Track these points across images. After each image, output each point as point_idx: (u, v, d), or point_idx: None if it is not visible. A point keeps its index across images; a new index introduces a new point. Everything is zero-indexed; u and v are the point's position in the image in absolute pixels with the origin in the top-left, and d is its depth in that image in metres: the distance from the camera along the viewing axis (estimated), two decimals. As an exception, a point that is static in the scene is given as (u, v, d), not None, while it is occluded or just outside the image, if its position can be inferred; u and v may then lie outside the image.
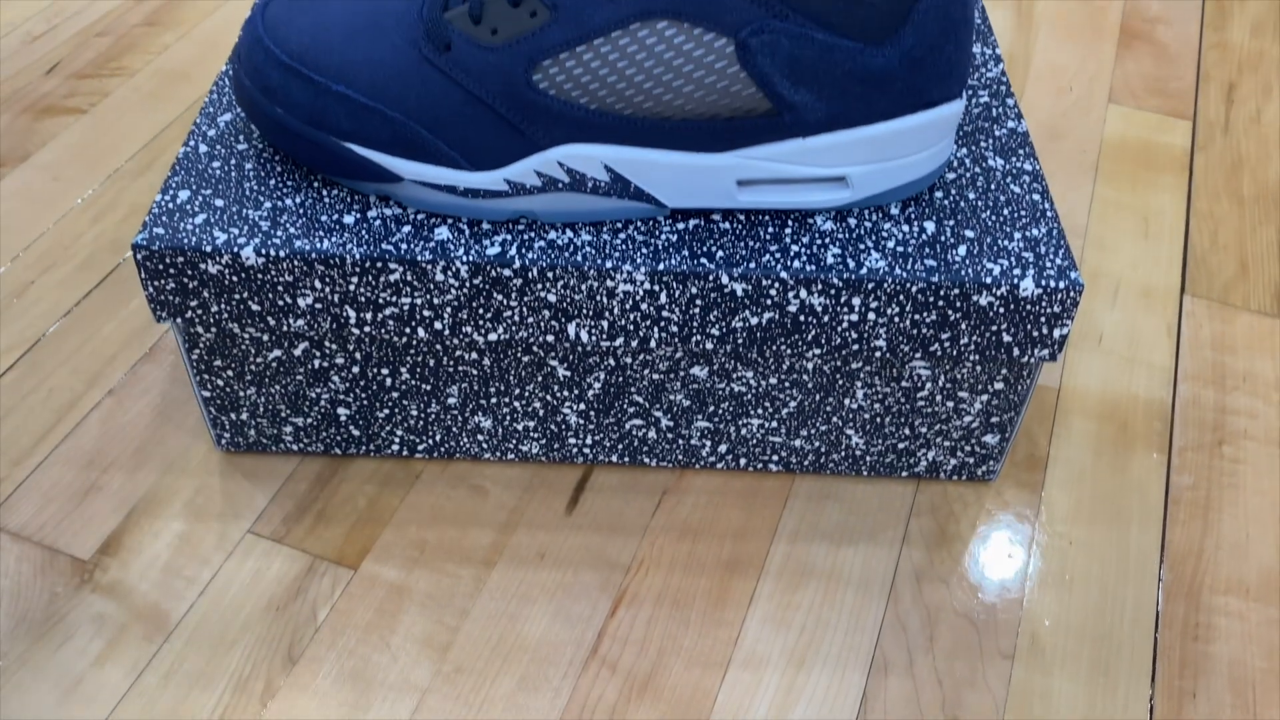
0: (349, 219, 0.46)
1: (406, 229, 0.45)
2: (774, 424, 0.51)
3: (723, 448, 0.53)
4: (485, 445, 0.53)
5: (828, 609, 0.50)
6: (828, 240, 0.46)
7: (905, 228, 0.46)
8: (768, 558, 0.51)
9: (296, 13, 0.46)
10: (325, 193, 0.47)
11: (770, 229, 0.46)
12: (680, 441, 0.53)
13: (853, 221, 0.47)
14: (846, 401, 0.50)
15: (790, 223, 0.47)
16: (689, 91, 0.42)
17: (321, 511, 0.52)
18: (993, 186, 0.49)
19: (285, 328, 0.47)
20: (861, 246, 0.45)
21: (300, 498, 0.53)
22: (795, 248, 0.45)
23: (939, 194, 0.48)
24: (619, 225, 0.46)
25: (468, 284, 0.45)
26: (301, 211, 0.46)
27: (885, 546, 0.52)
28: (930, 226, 0.47)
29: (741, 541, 0.52)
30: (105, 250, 0.64)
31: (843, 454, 0.53)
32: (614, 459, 0.54)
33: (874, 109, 0.43)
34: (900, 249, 0.45)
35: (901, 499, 0.54)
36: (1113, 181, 0.72)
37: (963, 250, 0.46)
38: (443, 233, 0.45)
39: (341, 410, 0.52)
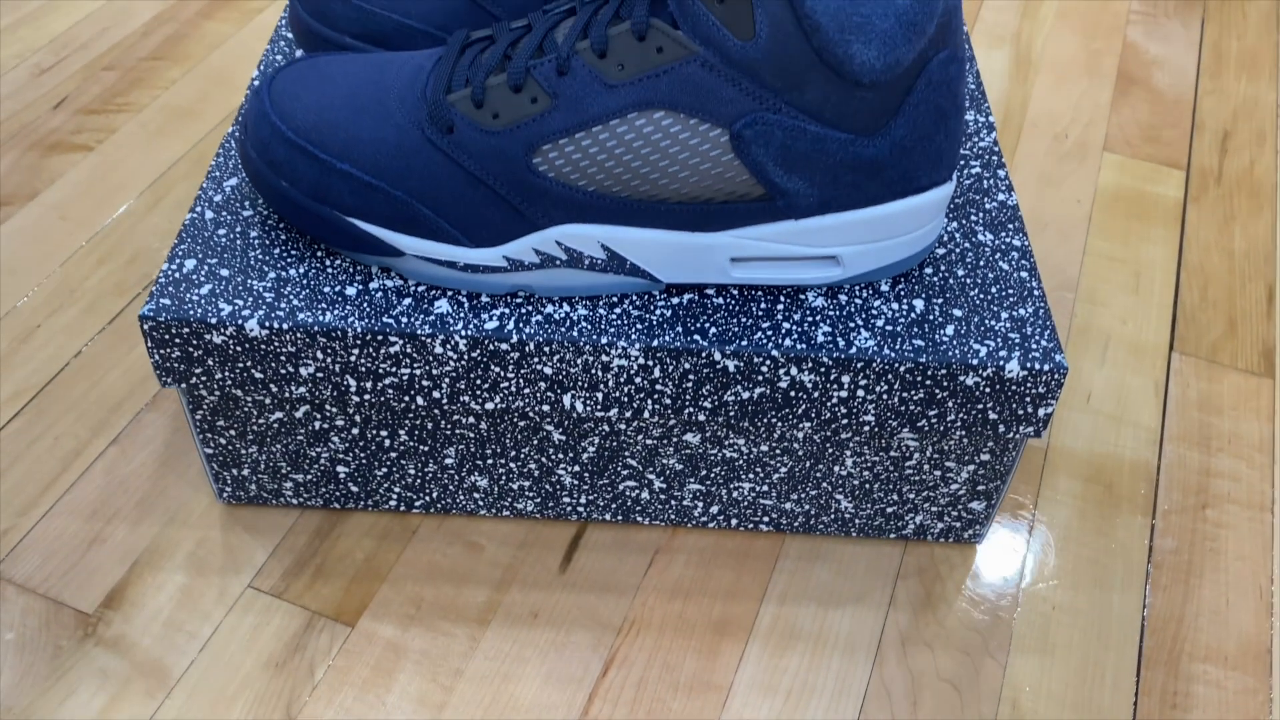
0: (351, 290, 0.47)
1: (407, 301, 0.46)
2: (765, 488, 0.53)
3: (714, 508, 0.54)
4: (481, 503, 0.54)
5: (814, 673, 0.51)
6: (818, 317, 0.47)
7: (895, 305, 0.47)
8: (757, 619, 0.52)
9: (303, 88, 0.47)
10: (328, 262, 0.48)
11: (763, 304, 0.47)
12: (673, 502, 0.54)
13: (843, 298, 0.48)
14: (836, 468, 0.51)
15: (783, 298, 0.47)
16: (684, 176, 0.43)
17: (320, 566, 0.53)
18: (981, 263, 0.50)
19: (287, 394, 0.48)
20: (852, 324, 0.46)
21: (299, 552, 0.54)
22: (787, 325, 0.46)
23: (929, 270, 0.49)
24: (614, 299, 0.47)
25: (466, 357, 0.46)
26: (305, 282, 0.47)
27: (872, 609, 0.53)
28: (919, 304, 0.48)
29: (731, 602, 0.53)
30: (110, 294, 0.65)
31: (832, 516, 0.54)
32: (607, 517, 0.55)
33: (865, 194, 0.44)
34: (889, 327, 0.46)
35: (889, 560, 0.55)
36: (1106, 234, 0.73)
37: (950, 330, 0.47)
38: (442, 306, 0.46)
39: (341, 468, 0.53)
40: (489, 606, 0.52)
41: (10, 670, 0.49)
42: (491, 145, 0.44)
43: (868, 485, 0.52)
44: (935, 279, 0.49)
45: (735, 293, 0.48)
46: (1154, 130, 0.81)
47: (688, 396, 0.47)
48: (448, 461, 0.52)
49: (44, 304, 0.64)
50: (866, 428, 0.48)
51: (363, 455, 0.52)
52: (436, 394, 0.47)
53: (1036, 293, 0.48)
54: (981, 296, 0.48)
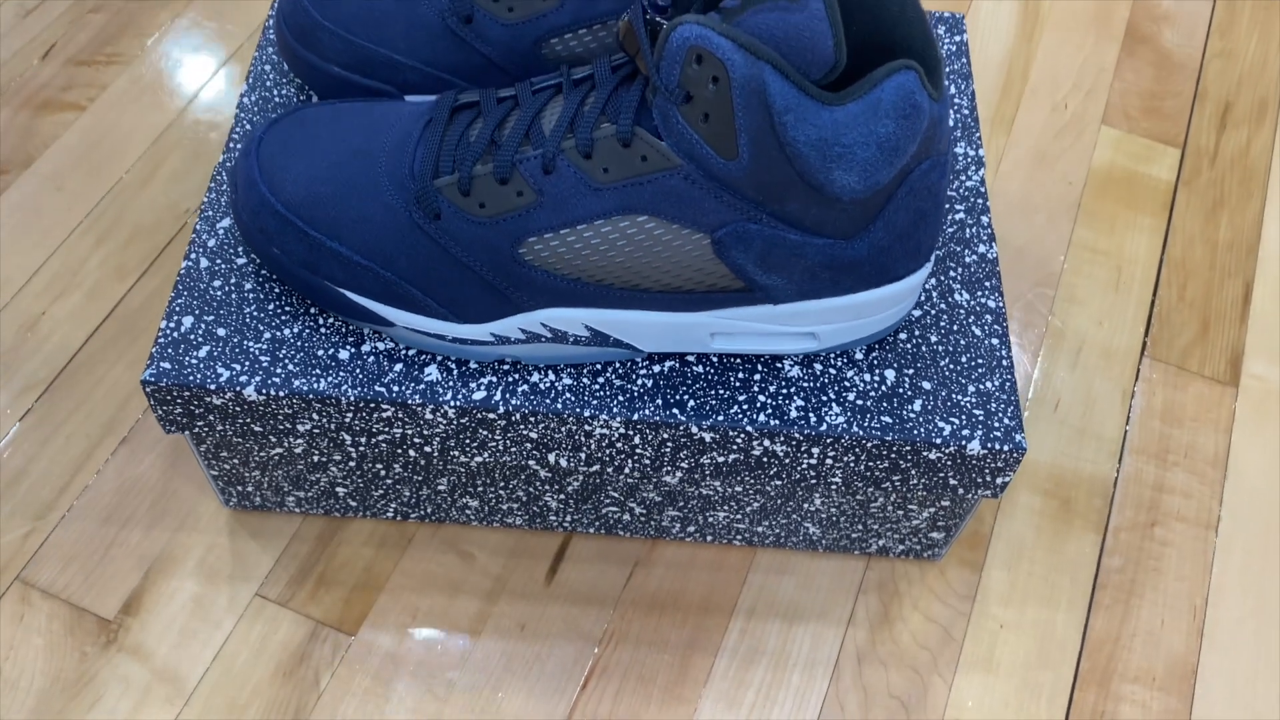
0: (343, 354, 0.48)
1: (398, 367, 0.48)
2: (738, 516, 0.56)
3: (691, 528, 0.57)
4: (473, 517, 0.58)
5: (775, 688, 0.55)
6: (793, 390, 0.49)
7: (867, 376, 0.49)
8: (725, 634, 0.57)
9: (291, 154, 0.47)
10: (321, 321, 0.49)
11: (740, 373, 0.49)
12: (652, 522, 0.57)
13: (819, 367, 0.50)
14: (805, 505, 0.55)
15: (760, 367, 0.49)
16: (666, 270, 0.45)
17: (322, 575, 0.57)
18: (955, 328, 0.51)
19: (286, 442, 0.50)
20: (824, 398, 0.49)
21: (303, 559, 0.58)
22: (763, 397, 0.48)
23: (903, 335, 0.51)
24: (598, 368, 0.49)
25: (455, 422, 0.48)
26: (299, 344, 0.49)
27: (833, 626, 0.57)
28: (891, 375, 0.50)
29: (703, 616, 0.57)
30: (111, 278, 0.66)
31: (800, 538, 0.58)
32: (591, 531, 0.58)
33: (843, 287, 0.46)
34: (860, 402, 0.49)
35: (852, 575, 0.59)
36: (1093, 221, 0.73)
37: (918, 405, 0.49)
38: (432, 373, 0.48)
39: (339, 489, 0.56)
40: (480, 618, 0.56)
41: (42, 675, 0.54)
42: (478, 234, 0.45)
43: (834, 517, 0.55)
44: (909, 345, 0.50)
45: (715, 360, 0.50)
46: (1155, 100, 0.80)
47: (665, 459, 0.50)
48: (440, 487, 0.55)
49: (46, 288, 0.66)
50: (834, 486, 0.51)
51: (360, 480, 0.55)
52: (428, 449, 0.50)
53: (1005, 362, 0.50)
54: (951, 367, 0.50)
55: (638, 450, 0.49)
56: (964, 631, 0.57)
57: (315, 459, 0.53)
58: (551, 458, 0.50)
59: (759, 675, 0.56)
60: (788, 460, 0.49)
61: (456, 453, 0.50)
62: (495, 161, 0.44)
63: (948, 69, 0.60)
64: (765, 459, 0.49)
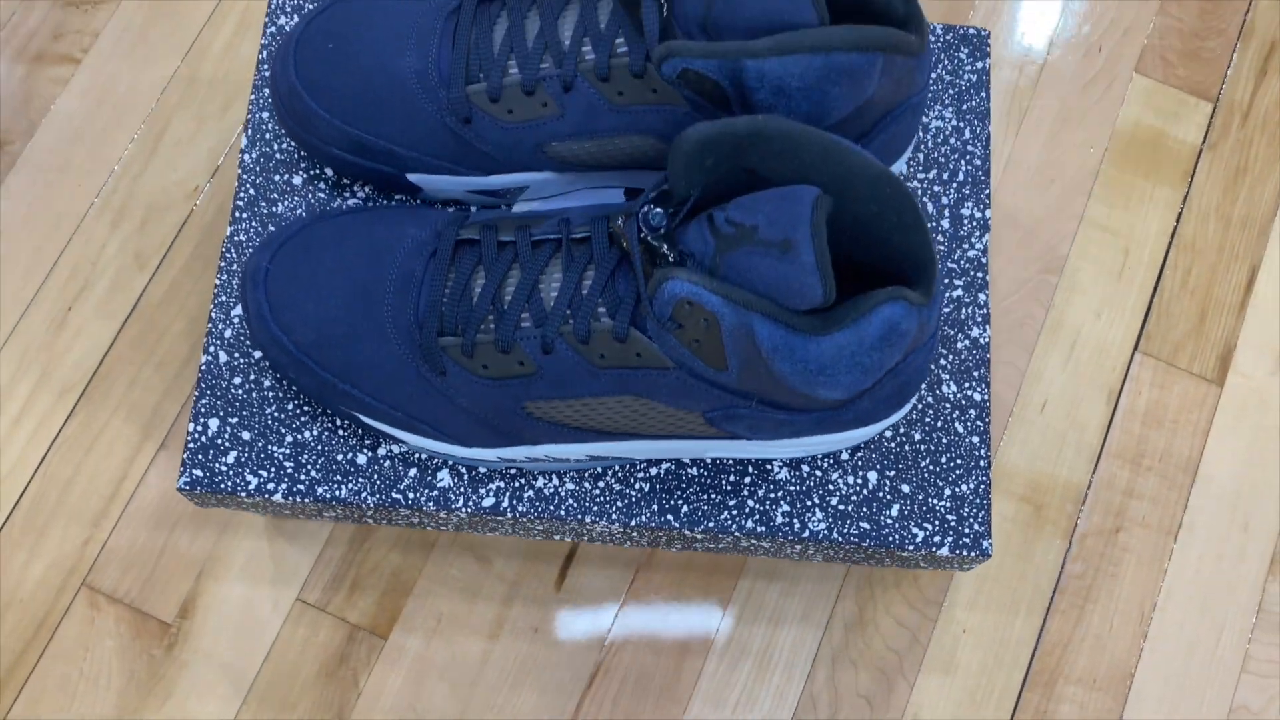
0: (361, 459, 0.52)
1: (413, 472, 0.52)
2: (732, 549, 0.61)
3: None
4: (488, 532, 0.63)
5: (757, 687, 0.63)
6: (780, 495, 0.52)
7: (850, 479, 0.53)
8: (715, 636, 0.64)
9: (299, 287, 0.48)
10: (338, 423, 0.52)
11: (732, 476, 0.53)
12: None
13: (805, 469, 0.53)
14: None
15: (751, 470, 0.53)
16: (664, 426, 0.47)
17: (355, 580, 0.64)
18: (939, 424, 0.54)
19: (315, 520, 0.55)
20: (809, 502, 0.52)
21: (336, 564, 0.64)
22: (751, 502, 0.52)
23: (888, 432, 0.53)
24: (598, 473, 0.52)
25: (466, 522, 0.52)
26: (319, 448, 0.52)
27: (812, 628, 0.64)
28: (873, 477, 0.53)
29: (697, 619, 0.64)
30: (130, 267, 0.68)
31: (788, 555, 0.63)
32: (597, 544, 0.64)
33: (828, 431, 0.48)
34: (842, 506, 0.52)
35: (833, 581, 0.64)
36: (1109, 194, 0.72)
37: (895, 510, 0.52)
38: (444, 478, 0.52)
39: (368, 519, 0.61)
40: (497, 622, 0.63)
41: (119, 675, 0.62)
42: (483, 391, 0.47)
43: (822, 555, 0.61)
44: (892, 445, 0.53)
45: (708, 462, 0.53)
46: (1196, 40, 0.75)
47: (660, 544, 0.54)
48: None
49: (68, 280, 0.68)
50: (816, 560, 0.55)
51: (384, 519, 0.60)
52: (442, 530, 0.54)
53: (984, 462, 0.53)
54: (931, 468, 0.53)
55: (634, 539, 0.54)
56: (930, 635, 0.64)
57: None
58: (556, 538, 0.54)
59: (743, 675, 0.63)
60: (772, 550, 0.54)
61: (469, 530, 0.55)
62: (497, 333, 0.45)
63: (964, 104, 0.58)
64: (751, 548, 0.54)
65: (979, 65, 0.59)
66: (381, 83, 0.50)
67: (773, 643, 0.64)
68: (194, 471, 0.51)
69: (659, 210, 0.41)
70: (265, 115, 0.56)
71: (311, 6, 0.57)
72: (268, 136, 0.56)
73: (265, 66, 0.57)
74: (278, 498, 0.51)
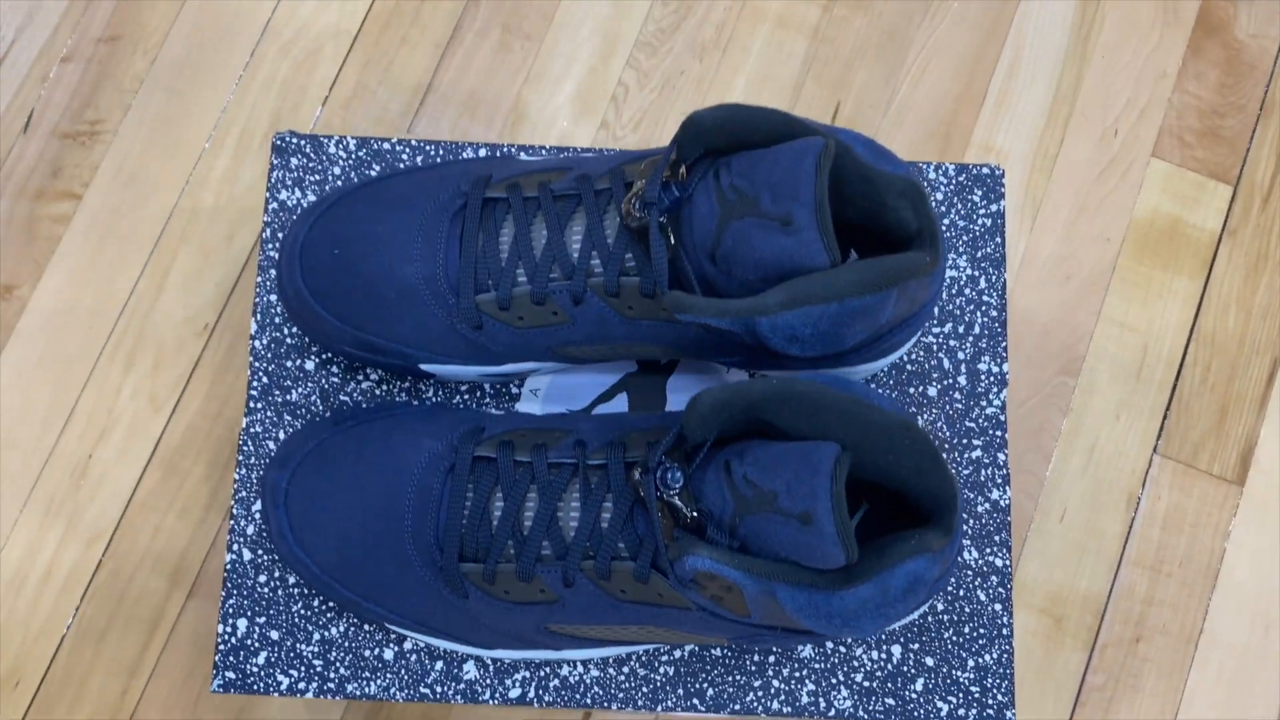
0: (388, 654, 0.53)
1: (439, 665, 0.53)
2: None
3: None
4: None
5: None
6: (805, 673, 0.53)
7: (875, 654, 0.53)
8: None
9: (319, 506, 0.48)
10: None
11: (756, 656, 0.53)
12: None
13: (829, 646, 0.53)
14: (815, 690, 0.60)
15: (774, 650, 0.53)
16: (686, 643, 0.47)
17: (387, 722, 0.65)
18: (961, 593, 0.54)
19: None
20: (834, 680, 0.53)
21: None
22: (776, 682, 0.53)
23: (911, 604, 0.54)
24: (623, 659, 0.53)
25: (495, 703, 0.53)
26: (346, 645, 0.53)
27: (838, 753, 0.65)
28: (897, 651, 0.53)
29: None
30: (145, 412, 0.68)
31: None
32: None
33: (851, 633, 0.48)
34: (866, 683, 0.53)
35: (857, 703, 0.65)
36: (1127, 290, 0.71)
37: (920, 684, 0.53)
38: (470, 671, 0.53)
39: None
40: (527, 758, 0.65)
41: (163, 826, 0.64)
42: (506, 615, 0.47)
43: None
44: (915, 617, 0.53)
45: (733, 647, 0.53)
46: (1215, 118, 0.74)
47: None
48: (484, 674, 0.61)
49: (86, 430, 0.68)
50: (840, 716, 0.56)
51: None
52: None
53: (1006, 630, 0.53)
54: (954, 639, 0.53)
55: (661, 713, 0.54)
56: (954, 754, 0.65)
57: (371, 674, 0.59)
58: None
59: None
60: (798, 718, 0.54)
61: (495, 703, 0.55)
62: (518, 562, 0.45)
63: (979, 251, 0.57)
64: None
65: (993, 209, 0.57)
66: (389, 289, 0.49)
67: (799, 767, 0.65)
68: (226, 674, 0.52)
69: (678, 472, 0.41)
70: (272, 299, 0.56)
71: (313, 198, 0.56)
72: (276, 321, 0.56)
73: (269, 245, 0.56)
74: (309, 695, 0.52)
